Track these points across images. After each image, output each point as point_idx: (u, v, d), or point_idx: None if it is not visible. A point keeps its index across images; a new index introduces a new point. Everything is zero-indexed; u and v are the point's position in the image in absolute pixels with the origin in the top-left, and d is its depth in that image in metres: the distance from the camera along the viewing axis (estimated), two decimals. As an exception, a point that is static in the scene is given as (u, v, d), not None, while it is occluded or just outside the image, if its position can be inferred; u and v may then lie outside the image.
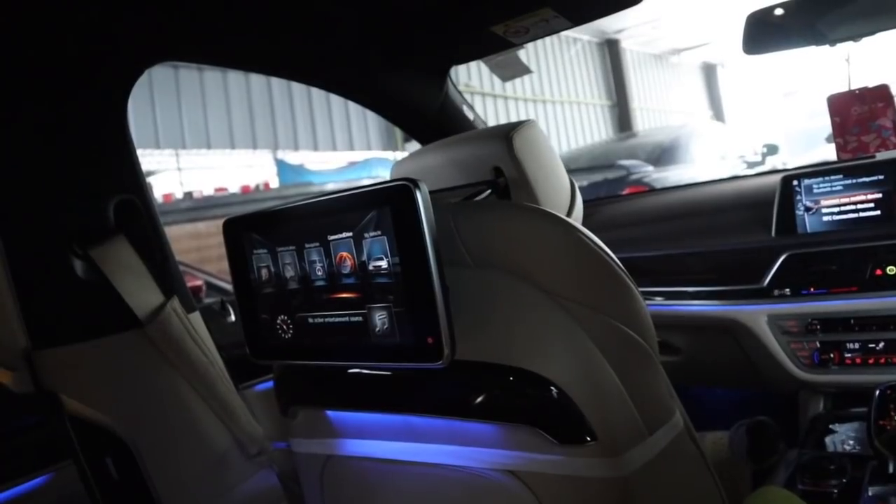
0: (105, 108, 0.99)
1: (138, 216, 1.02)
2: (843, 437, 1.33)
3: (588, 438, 0.73)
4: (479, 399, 0.78)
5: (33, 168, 0.92)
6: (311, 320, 0.80)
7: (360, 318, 0.74)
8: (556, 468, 0.76)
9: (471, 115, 1.56)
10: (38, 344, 0.91)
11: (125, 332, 0.98)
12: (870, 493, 1.07)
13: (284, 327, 0.82)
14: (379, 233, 0.71)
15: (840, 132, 1.20)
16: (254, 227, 0.83)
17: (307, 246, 0.77)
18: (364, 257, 0.73)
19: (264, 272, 0.82)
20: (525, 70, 1.51)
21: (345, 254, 0.75)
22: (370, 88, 1.37)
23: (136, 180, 1.02)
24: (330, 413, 0.95)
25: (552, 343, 0.75)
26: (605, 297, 0.78)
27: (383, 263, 0.71)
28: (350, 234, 0.74)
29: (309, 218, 0.78)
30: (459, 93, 1.55)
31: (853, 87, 1.20)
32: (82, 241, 0.95)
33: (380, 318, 0.73)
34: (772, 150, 6.69)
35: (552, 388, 0.73)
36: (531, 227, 0.80)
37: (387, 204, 0.70)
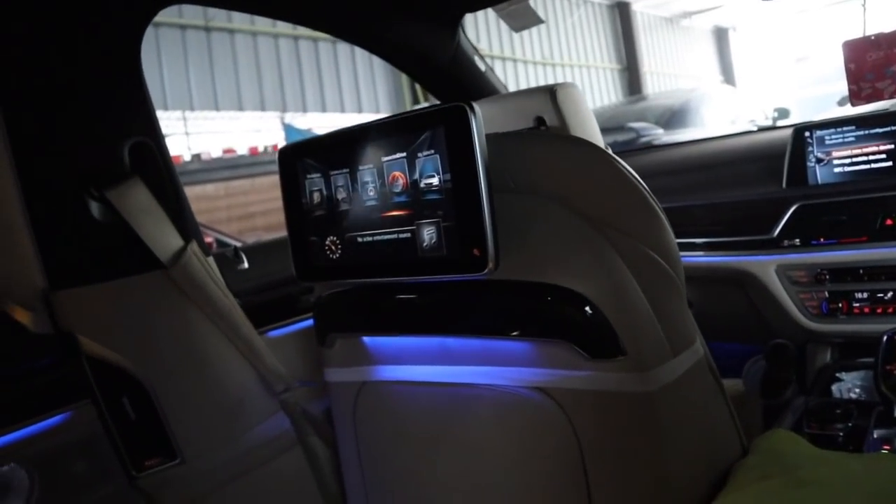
0: (118, 51, 0.99)
1: (153, 159, 1.02)
2: (850, 386, 1.35)
3: (618, 354, 0.78)
4: (517, 317, 0.83)
5: (48, 110, 0.93)
6: (360, 239, 0.84)
7: (409, 234, 0.79)
8: (585, 384, 0.81)
9: (482, 67, 1.55)
10: (55, 285, 0.93)
11: (143, 272, 0.99)
12: (875, 436, 1.09)
13: (333, 248, 0.87)
14: (432, 151, 0.76)
15: (854, 78, 1.18)
16: (308, 153, 0.88)
17: (360, 168, 0.82)
18: (416, 176, 0.77)
19: (316, 196, 0.87)
20: (537, 20, 1.49)
21: (397, 173, 0.79)
22: (381, 37, 1.36)
23: (150, 123, 1.03)
24: (367, 340, 0.99)
25: (588, 263, 0.79)
26: (639, 225, 0.82)
27: (434, 181, 0.76)
28: (404, 154, 0.78)
29: (363, 141, 0.83)
30: (471, 44, 1.53)
31: (869, 33, 1.18)
32: (98, 183, 0.96)
33: (428, 233, 0.77)
34: (783, 113, 6.60)
35: (587, 304, 0.78)
36: (573, 155, 0.85)
37: (442, 124, 0.75)
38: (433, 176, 0.76)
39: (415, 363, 0.96)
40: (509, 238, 0.77)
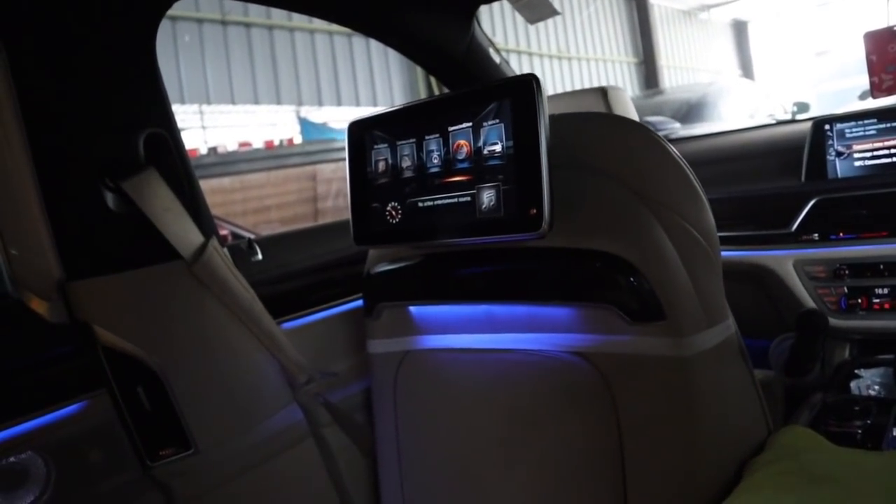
0: (134, 41, 0.99)
1: (167, 150, 1.03)
2: (869, 383, 1.33)
3: (658, 318, 0.84)
4: (564, 282, 0.90)
5: (63, 100, 0.93)
6: (420, 204, 0.91)
7: (469, 198, 0.86)
8: (624, 348, 0.87)
9: (497, 59, 1.54)
10: (72, 275, 0.93)
11: (158, 264, 0.99)
12: (894, 434, 1.07)
13: (393, 213, 0.93)
14: (497, 121, 0.83)
15: (876, 70, 1.16)
16: (377, 125, 0.95)
17: (427, 137, 0.89)
18: (480, 143, 0.84)
19: (381, 164, 0.94)
20: (552, 11, 1.48)
21: (462, 141, 0.86)
22: (395, 28, 1.36)
23: (164, 114, 1.03)
24: (413, 309, 1.06)
25: (633, 232, 0.85)
26: (681, 202, 0.88)
27: (497, 147, 0.83)
28: (470, 123, 0.85)
29: (431, 113, 0.90)
30: (486, 36, 1.52)
31: (891, 24, 1.16)
32: (114, 174, 0.96)
33: (487, 196, 0.84)
34: (802, 108, 6.51)
35: (632, 269, 0.84)
36: (625, 135, 0.91)
37: (508, 95, 0.82)
38: (496, 143, 0.83)
39: (460, 332, 1.02)
40: (560, 208, 0.82)
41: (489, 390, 1.00)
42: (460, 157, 0.86)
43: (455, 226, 0.88)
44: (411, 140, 0.91)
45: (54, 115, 0.93)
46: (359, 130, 0.97)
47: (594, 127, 0.94)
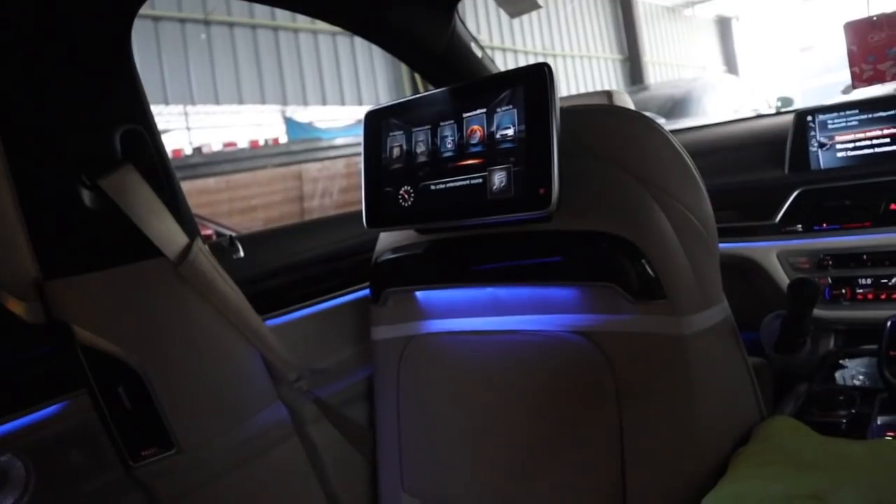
0: (109, 37, 0.98)
1: (145, 147, 1.01)
2: (853, 373, 1.33)
3: (659, 297, 0.88)
4: (569, 262, 0.94)
5: (38, 97, 0.92)
6: (433, 187, 0.95)
7: (480, 180, 0.91)
8: (626, 326, 0.91)
9: (479, 53, 1.53)
10: (48, 274, 0.92)
11: (137, 261, 0.98)
12: (878, 423, 1.07)
13: (406, 196, 0.98)
14: (510, 106, 0.88)
15: (856, 60, 1.17)
16: (393, 113, 1.01)
17: (442, 123, 0.95)
18: (493, 128, 0.90)
19: (396, 150, 0.99)
20: (534, 5, 1.47)
21: (476, 127, 0.91)
22: (375, 22, 1.35)
23: (141, 110, 1.01)
24: (419, 295, 1.11)
25: (635, 215, 0.89)
26: (681, 189, 0.92)
27: (510, 131, 0.88)
28: (484, 109, 0.91)
29: (447, 101, 0.96)
30: (468, 30, 1.52)
31: (871, 15, 1.16)
32: (90, 172, 0.94)
33: (498, 178, 0.89)
34: (786, 103, 6.54)
35: (634, 250, 0.88)
36: (629, 124, 0.95)
37: (522, 82, 0.88)
38: (509, 128, 0.88)
39: (465, 315, 1.07)
40: (567, 192, 0.87)
41: (492, 371, 1.03)
42: (473, 142, 0.91)
43: (466, 207, 0.92)
44: (426, 126, 0.96)
45: (27, 111, 0.91)
46: (375, 118, 1.02)
47: (600, 117, 0.97)
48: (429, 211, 0.96)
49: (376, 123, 1.02)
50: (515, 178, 0.87)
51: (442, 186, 0.94)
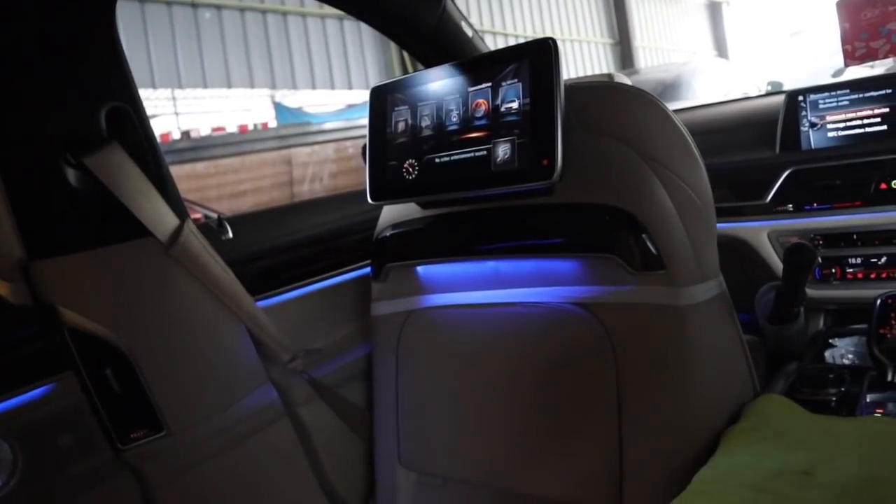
0: (93, 13, 0.96)
1: (131, 125, 0.99)
2: (843, 352, 1.34)
3: (659, 268, 0.90)
4: (572, 234, 0.96)
5: (21, 76, 0.90)
6: (437, 160, 0.97)
7: (485, 152, 0.92)
8: (625, 297, 0.93)
9: (469, 32, 1.52)
10: (34, 255, 0.91)
11: (124, 241, 0.97)
12: (867, 400, 1.08)
13: (410, 170, 0.99)
14: (516, 80, 0.90)
15: (849, 38, 1.16)
16: (398, 89, 1.02)
17: (447, 97, 0.96)
18: (498, 101, 0.91)
19: (401, 125, 1.01)
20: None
21: (481, 100, 0.93)
22: (365, 0, 1.33)
23: (127, 88, 0.99)
24: (420, 270, 1.13)
25: (636, 188, 0.91)
26: (681, 165, 0.93)
27: (515, 104, 0.90)
28: (489, 83, 0.92)
29: (453, 76, 0.97)
30: (458, 9, 1.50)
31: (864, -8, 1.16)
32: (75, 150, 0.93)
33: (503, 150, 0.90)
34: (776, 87, 6.52)
35: (635, 222, 0.90)
36: (630, 101, 0.96)
37: (527, 56, 0.90)
38: (514, 101, 0.89)
39: (466, 289, 1.08)
40: (570, 167, 0.88)
41: (492, 342, 1.05)
42: (478, 115, 0.92)
43: (470, 179, 0.93)
44: (431, 101, 0.97)
45: (9, 88, 0.89)
46: (381, 94, 1.03)
47: (603, 94, 0.98)
48: (433, 183, 0.97)
49: (382, 99, 1.03)
50: (519, 150, 0.89)
51: (446, 159, 0.95)
